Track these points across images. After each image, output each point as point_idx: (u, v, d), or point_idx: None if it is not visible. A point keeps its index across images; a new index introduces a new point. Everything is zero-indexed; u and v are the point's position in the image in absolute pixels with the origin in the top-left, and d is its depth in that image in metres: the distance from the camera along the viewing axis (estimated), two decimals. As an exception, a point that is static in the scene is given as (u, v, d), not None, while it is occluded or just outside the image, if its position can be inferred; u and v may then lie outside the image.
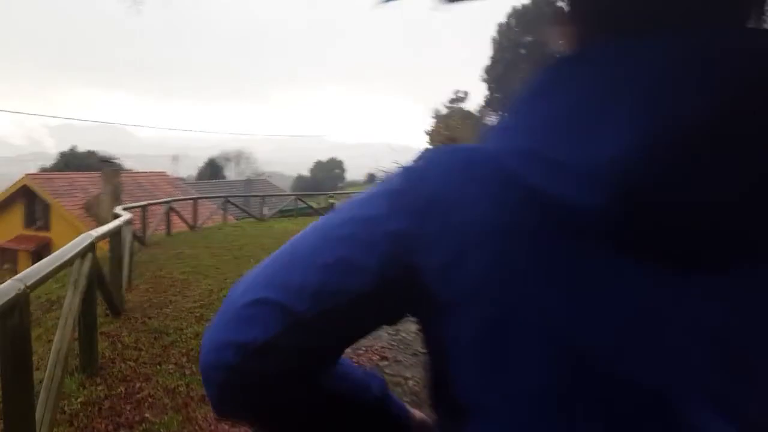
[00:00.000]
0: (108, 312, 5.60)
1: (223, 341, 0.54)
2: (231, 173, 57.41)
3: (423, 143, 46.78)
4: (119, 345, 4.89)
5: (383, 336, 5.12)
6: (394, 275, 0.52)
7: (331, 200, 18.60)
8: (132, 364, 4.46)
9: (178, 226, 14.34)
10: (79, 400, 3.76)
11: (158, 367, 4.41)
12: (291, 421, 0.61)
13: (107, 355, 4.60)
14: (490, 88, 52.98)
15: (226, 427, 3.49)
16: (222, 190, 31.26)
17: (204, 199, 18.52)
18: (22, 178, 25.08)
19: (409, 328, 5.10)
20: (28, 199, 24.60)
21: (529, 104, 0.53)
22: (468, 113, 45.38)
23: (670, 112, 0.45)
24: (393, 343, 5.08)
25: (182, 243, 11.53)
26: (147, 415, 3.63)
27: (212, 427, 3.50)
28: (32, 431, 2.61)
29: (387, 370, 4.51)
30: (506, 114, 0.55)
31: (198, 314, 5.86)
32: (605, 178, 0.45)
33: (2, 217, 25.21)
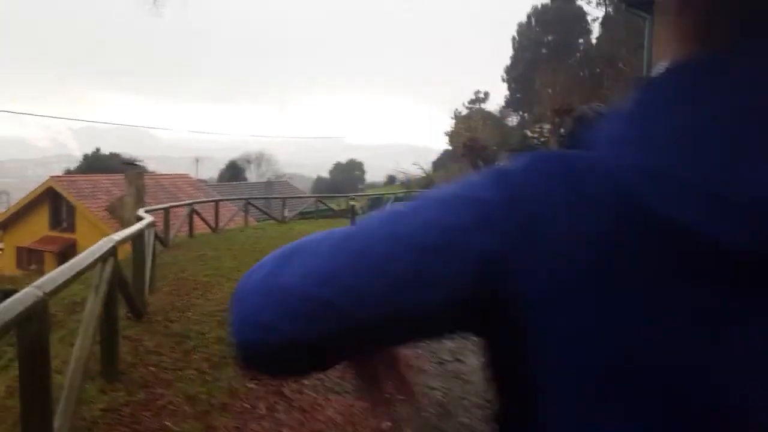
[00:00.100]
0: (130, 315, 5.57)
1: (268, 324, 0.50)
2: (252, 175, 57.80)
3: (443, 144, 46.64)
4: (141, 349, 4.84)
5: (407, 342, 5.00)
6: (472, 295, 0.46)
7: (352, 202, 18.57)
8: (153, 369, 4.40)
9: (200, 227, 14.39)
10: (99, 406, 3.71)
11: (179, 372, 4.34)
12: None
13: (128, 359, 4.55)
14: (510, 88, 52.70)
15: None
16: (243, 192, 31.44)
17: (225, 201, 18.59)
18: (47, 180, 25.54)
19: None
20: (53, 200, 25.02)
21: (653, 113, 0.44)
22: (489, 114, 45.10)
23: None
24: (417, 349, 4.96)
25: (204, 245, 11.55)
26: (167, 423, 3.56)
27: (234, 437, 3.42)
28: (51, 441, 2.55)
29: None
30: (620, 121, 0.47)
31: (220, 318, 5.80)
32: None
33: (29, 218, 25.66)
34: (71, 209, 24.36)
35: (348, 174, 68.78)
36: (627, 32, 28.27)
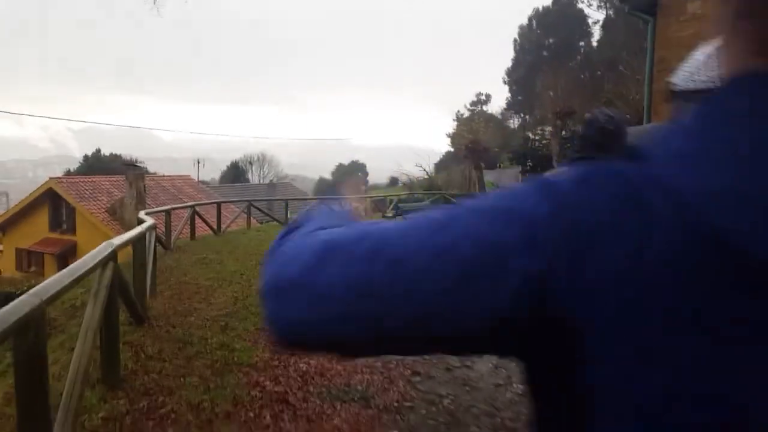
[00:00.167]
0: (131, 320, 5.47)
1: (306, 320, 0.51)
2: (254, 176, 57.77)
3: (445, 146, 46.62)
4: (142, 355, 4.73)
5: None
6: (518, 316, 0.44)
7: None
8: (155, 376, 4.30)
9: (203, 229, 14.28)
10: (100, 415, 3.60)
11: (182, 380, 4.24)
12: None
13: (130, 366, 4.44)
14: (512, 91, 52.76)
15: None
16: (245, 194, 31.38)
17: (228, 203, 18.50)
18: (47, 181, 25.45)
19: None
20: (53, 202, 24.92)
21: (711, 126, 0.43)
22: (491, 116, 45.12)
23: None
24: (425, 356, 4.86)
25: (206, 247, 11.45)
26: (170, 432, 3.46)
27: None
28: (49, 455, 2.45)
29: (420, 387, 4.29)
30: (677, 134, 0.45)
31: (223, 323, 5.71)
32: None
33: (29, 219, 25.57)
34: (71, 211, 24.26)
35: (351, 176, 68.81)
36: (628, 35, 28.31)
